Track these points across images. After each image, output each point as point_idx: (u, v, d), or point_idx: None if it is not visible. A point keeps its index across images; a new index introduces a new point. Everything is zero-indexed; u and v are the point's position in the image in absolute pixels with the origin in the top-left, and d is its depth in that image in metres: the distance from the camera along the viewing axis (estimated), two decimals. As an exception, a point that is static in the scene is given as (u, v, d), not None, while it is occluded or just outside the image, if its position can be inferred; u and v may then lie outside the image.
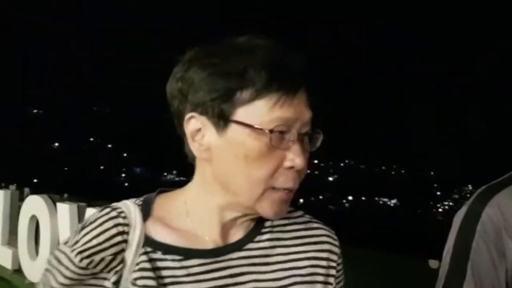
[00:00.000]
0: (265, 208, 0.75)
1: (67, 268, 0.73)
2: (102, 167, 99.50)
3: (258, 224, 0.82)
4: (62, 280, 0.73)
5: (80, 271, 0.73)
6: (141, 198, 0.82)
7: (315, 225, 0.88)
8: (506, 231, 1.05)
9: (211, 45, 0.77)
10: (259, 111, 0.72)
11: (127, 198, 0.82)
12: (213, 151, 0.75)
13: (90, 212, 3.08)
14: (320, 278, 0.83)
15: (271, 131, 0.71)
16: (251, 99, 0.72)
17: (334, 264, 0.86)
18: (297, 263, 0.82)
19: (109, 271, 0.75)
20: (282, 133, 0.72)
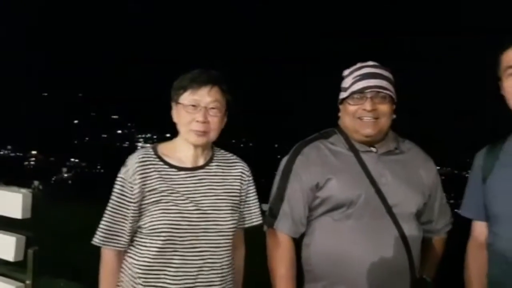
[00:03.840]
0: (189, 139, 1.65)
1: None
2: None
3: (211, 157, 1.74)
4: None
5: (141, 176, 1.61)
6: (151, 146, 1.73)
7: (233, 157, 1.79)
8: (309, 171, 1.80)
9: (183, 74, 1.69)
10: (185, 97, 1.63)
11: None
12: (175, 116, 1.68)
13: None
14: (238, 185, 1.74)
15: (187, 106, 1.63)
16: (183, 93, 1.64)
17: (245, 178, 1.76)
18: (227, 177, 1.73)
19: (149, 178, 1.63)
20: (194, 106, 1.61)
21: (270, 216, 1.85)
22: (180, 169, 1.67)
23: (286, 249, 1.81)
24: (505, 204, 1.61)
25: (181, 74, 1.71)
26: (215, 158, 1.76)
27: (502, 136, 1.74)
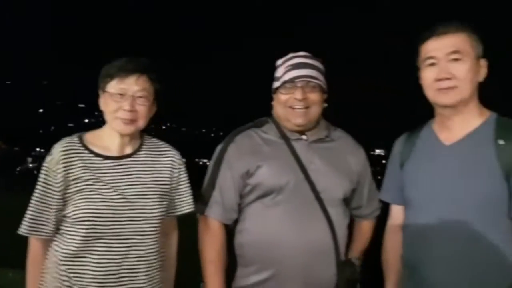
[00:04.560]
0: (116, 127, 1.66)
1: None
2: None
3: (140, 146, 1.75)
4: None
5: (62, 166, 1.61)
6: (77, 134, 1.72)
7: (164, 145, 1.81)
8: (240, 159, 1.86)
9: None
10: (113, 86, 1.64)
11: None
12: (102, 104, 1.68)
13: None
14: (169, 173, 1.76)
15: (114, 94, 1.63)
16: (110, 81, 1.64)
17: (176, 166, 1.78)
18: (156, 166, 1.75)
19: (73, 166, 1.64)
20: (121, 95, 1.63)
21: (201, 203, 1.89)
22: (105, 157, 1.68)
23: (216, 235, 1.86)
24: (416, 189, 1.71)
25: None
26: (144, 146, 1.78)
27: (420, 124, 1.83)
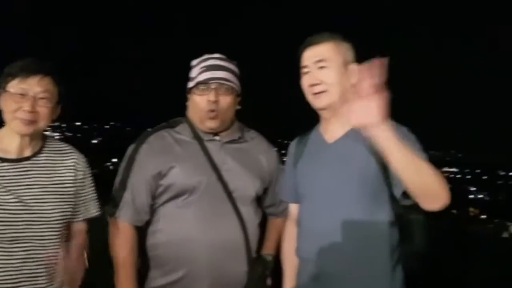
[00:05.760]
0: (15, 128, 1.63)
1: None
2: None
3: (41, 148, 1.72)
4: None
5: None
6: None
7: (67, 147, 1.79)
8: (152, 160, 1.87)
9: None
10: (14, 85, 1.61)
11: None
12: (2, 104, 1.63)
13: None
14: (72, 176, 1.73)
15: (14, 94, 1.60)
16: (11, 80, 1.61)
17: (79, 168, 1.76)
18: (58, 168, 1.72)
19: None
20: (22, 95, 1.59)
21: (112, 206, 1.88)
22: (3, 160, 1.64)
23: (127, 237, 1.86)
24: (306, 186, 1.80)
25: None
26: (45, 148, 1.75)
27: (312, 126, 1.94)
